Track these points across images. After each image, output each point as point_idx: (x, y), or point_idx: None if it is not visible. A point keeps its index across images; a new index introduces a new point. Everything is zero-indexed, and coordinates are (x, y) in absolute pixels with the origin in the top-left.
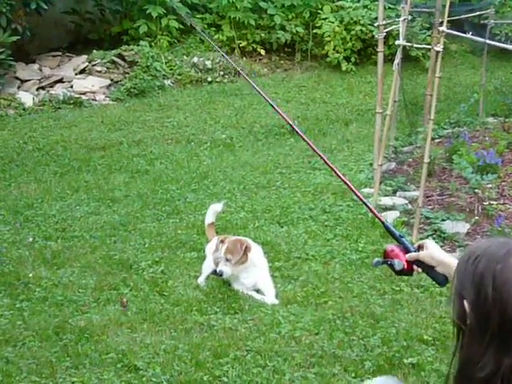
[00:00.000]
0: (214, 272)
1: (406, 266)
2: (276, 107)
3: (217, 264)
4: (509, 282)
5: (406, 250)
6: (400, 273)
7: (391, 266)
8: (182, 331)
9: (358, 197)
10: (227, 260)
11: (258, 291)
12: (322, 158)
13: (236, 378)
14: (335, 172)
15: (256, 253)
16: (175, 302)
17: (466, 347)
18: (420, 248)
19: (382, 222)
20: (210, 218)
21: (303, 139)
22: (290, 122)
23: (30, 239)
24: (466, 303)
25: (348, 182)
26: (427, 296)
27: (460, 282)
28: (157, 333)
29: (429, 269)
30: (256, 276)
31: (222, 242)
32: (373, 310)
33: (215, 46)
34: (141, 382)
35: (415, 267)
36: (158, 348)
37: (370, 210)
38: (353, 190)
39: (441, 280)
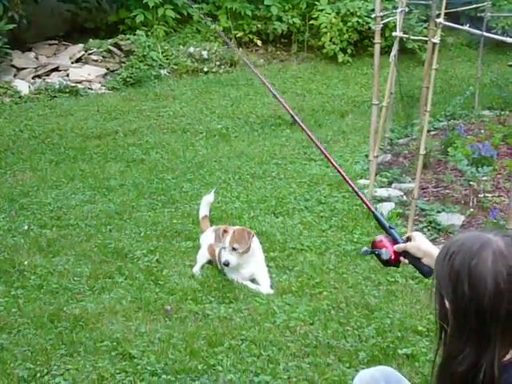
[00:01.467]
0: (210, 262)
1: (393, 257)
2: (279, 97)
3: (211, 253)
4: (484, 277)
5: (395, 241)
6: (387, 263)
7: (378, 255)
8: (177, 320)
9: (351, 186)
10: (234, 249)
11: (253, 281)
12: (319, 148)
13: (230, 366)
14: (330, 161)
15: (256, 243)
16: (170, 291)
17: (448, 343)
18: (408, 239)
19: (373, 213)
20: (203, 210)
21: (304, 130)
22: (292, 113)
23: (26, 227)
24: (446, 302)
25: (342, 172)
26: (422, 287)
27: (439, 280)
28: (152, 321)
29: (415, 260)
30: (254, 266)
31: (226, 231)
32: (367, 300)
33: (235, 47)
34: (135, 370)
35: (402, 259)
36: (152, 336)
37: (362, 199)
38: (346, 180)
39: (426, 271)
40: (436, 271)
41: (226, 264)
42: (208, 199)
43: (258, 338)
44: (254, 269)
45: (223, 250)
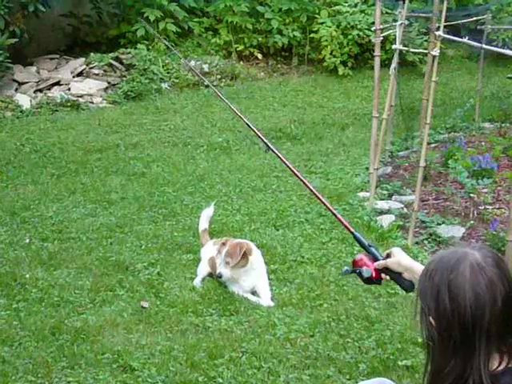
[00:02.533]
0: (210, 274)
1: (374, 274)
2: (249, 123)
3: (212, 266)
4: (463, 290)
5: (375, 259)
6: (368, 281)
7: (359, 274)
8: (178, 332)
9: (326, 206)
10: (227, 263)
11: (253, 293)
12: (293, 172)
13: (231, 378)
14: (304, 183)
15: (256, 256)
16: (171, 304)
17: (434, 358)
18: (388, 256)
19: (352, 232)
20: (203, 224)
21: (277, 155)
22: (264, 139)
23: (27, 240)
24: (430, 318)
25: (317, 194)
26: None
27: (422, 298)
28: (152, 334)
29: (396, 275)
30: (255, 279)
31: (224, 244)
32: (368, 312)
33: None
34: (136, 383)
35: (383, 275)
36: (153, 349)
37: (339, 219)
38: (321, 201)
39: (407, 286)
40: (419, 290)
41: (219, 276)
42: (208, 213)
43: (258, 350)
44: (255, 281)
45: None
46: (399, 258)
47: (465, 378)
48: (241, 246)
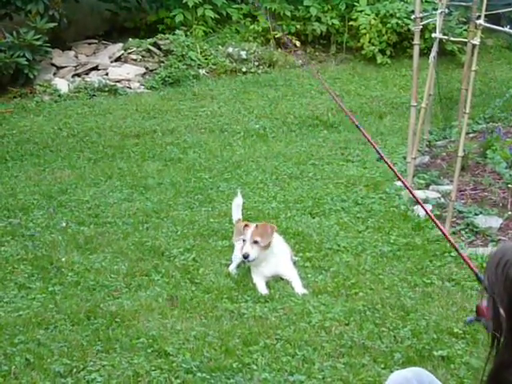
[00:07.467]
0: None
1: None
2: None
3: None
4: None
5: None
6: None
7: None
8: (213, 318)
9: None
10: (255, 242)
11: (281, 280)
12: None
13: (265, 365)
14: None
15: (276, 241)
16: (206, 290)
17: (501, 352)
18: None
19: (476, 274)
20: (236, 214)
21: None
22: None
23: (63, 224)
24: (501, 310)
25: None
26: (458, 289)
27: (492, 289)
28: (187, 319)
29: None
30: (275, 265)
31: (247, 225)
32: (403, 302)
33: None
34: (171, 368)
35: None
36: (188, 334)
37: (463, 258)
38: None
39: None
40: (488, 279)
41: (246, 256)
42: (237, 202)
43: (293, 338)
44: (276, 268)
45: (244, 242)
46: None
47: None
48: (271, 226)
